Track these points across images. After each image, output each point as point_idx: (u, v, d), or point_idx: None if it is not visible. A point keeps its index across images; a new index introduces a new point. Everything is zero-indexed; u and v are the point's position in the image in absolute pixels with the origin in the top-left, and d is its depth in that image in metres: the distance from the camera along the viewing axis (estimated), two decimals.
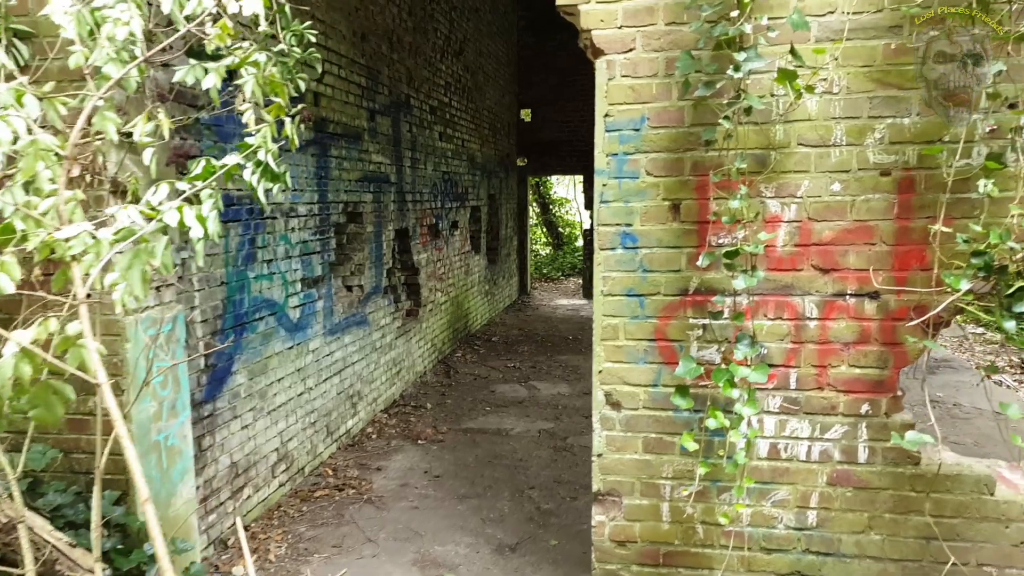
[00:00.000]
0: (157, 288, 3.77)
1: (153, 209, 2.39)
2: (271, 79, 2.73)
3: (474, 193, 11.54)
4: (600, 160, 3.14)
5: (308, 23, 3.46)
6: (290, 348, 5.57)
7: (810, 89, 2.79)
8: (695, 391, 3.16)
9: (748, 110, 2.78)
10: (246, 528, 4.89)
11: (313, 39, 3.42)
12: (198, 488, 4.40)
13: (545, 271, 19.27)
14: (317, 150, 6.00)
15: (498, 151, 13.34)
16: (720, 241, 3.07)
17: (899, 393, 3.08)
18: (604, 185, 3.15)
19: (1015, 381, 8.32)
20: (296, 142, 2.98)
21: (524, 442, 6.73)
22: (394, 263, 8.17)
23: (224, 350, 4.66)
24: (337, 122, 6.39)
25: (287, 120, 2.88)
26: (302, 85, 3.56)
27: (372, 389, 7.29)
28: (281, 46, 3.34)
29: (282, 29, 2.89)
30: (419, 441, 6.73)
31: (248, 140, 2.69)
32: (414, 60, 8.52)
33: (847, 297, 3.04)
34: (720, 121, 2.78)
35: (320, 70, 3.96)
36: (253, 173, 2.63)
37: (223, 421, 4.67)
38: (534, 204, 20.83)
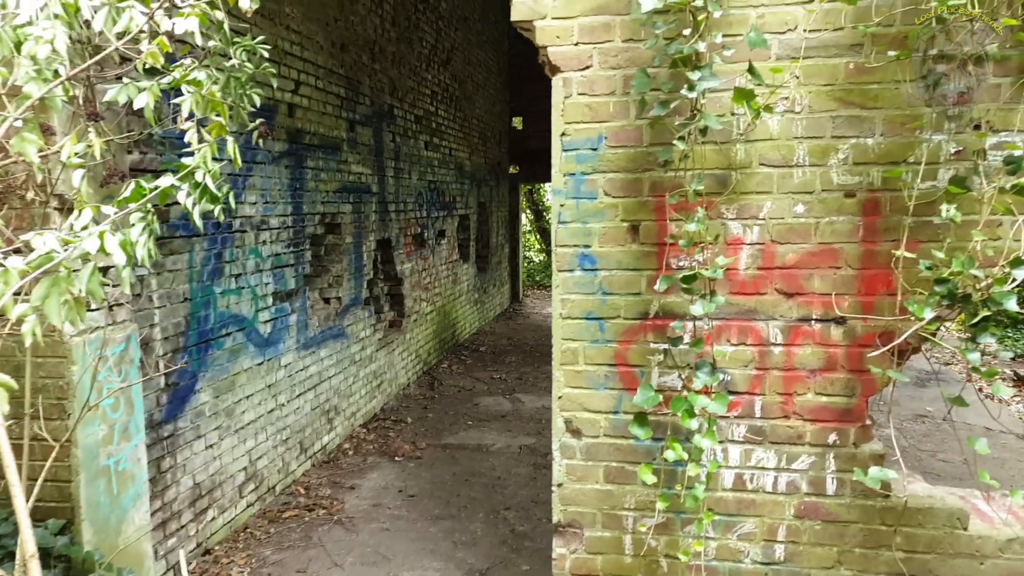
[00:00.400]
0: (109, 307, 3.66)
1: (76, 235, 2.29)
2: (211, 97, 2.62)
3: (463, 202, 11.44)
4: (557, 180, 3.04)
5: (261, 38, 3.35)
6: (260, 364, 5.46)
7: (768, 108, 2.69)
8: (656, 419, 3.05)
9: (704, 130, 2.68)
10: (210, 552, 4.78)
11: (266, 54, 3.32)
12: (156, 512, 4.29)
13: (538, 278, 19.16)
14: (291, 161, 5.90)
15: (488, 160, 13.25)
16: (680, 264, 2.97)
17: (868, 422, 2.96)
18: (562, 205, 3.05)
19: (1013, 395, 8.20)
20: (239, 162, 2.87)
21: (504, 459, 6.61)
22: (376, 274, 8.06)
23: (186, 368, 4.55)
24: (314, 133, 6.30)
25: (229, 139, 2.77)
26: (256, 100, 3.46)
27: (350, 403, 7.18)
28: (233, 61, 3.24)
29: (230, 45, 2.77)
30: (396, 458, 6.62)
31: (185, 160, 2.59)
32: (398, 70, 8.43)
33: (812, 322, 2.93)
34: (674, 142, 2.67)
35: (276, 85, 3.87)
36: (189, 195, 2.52)
37: (185, 441, 4.56)
38: (527, 211, 20.73)
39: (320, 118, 6.43)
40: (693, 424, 2.73)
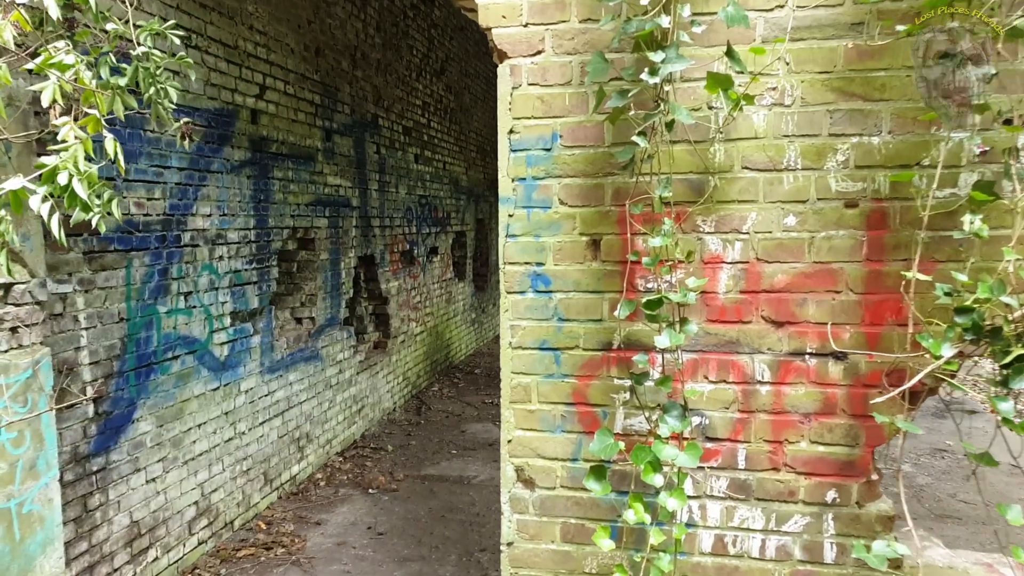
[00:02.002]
0: (12, 329, 3.24)
1: None
2: (80, 83, 2.21)
3: (458, 218, 11.02)
4: (505, 186, 2.59)
5: (172, 22, 2.95)
6: (215, 389, 5.03)
7: (749, 99, 2.23)
8: (621, 468, 2.57)
9: (670, 125, 2.22)
10: None
11: (177, 40, 2.91)
12: (82, 555, 3.85)
13: None
14: (255, 171, 5.50)
15: (488, 175, 12.85)
16: (648, 286, 2.50)
17: (874, 476, 2.47)
18: (511, 216, 2.60)
19: None
20: (123, 165, 2.44)
21: (485, 492, 6.12)
22: (357, 292, 7.63)
23: (121, 395, 4.12)
24: (282, 141, 5.90)
25: (108, 136, 2.35)
26: (173, 94, 3.05)
27: (325, 431, 6.73)
28: (141, 48, 2.83)
29: (98, 20, 2.36)
30: (370, 490, 6.15)
31: (44, 160, 2.16)
32: (384, 78, 8.05)
33: (807, 357, 2.45)
34: (634, 138, 2.21)
35: (194, 77, 3.45)
36: (45, 200, 2.09)
37: (120, 475, 4.12)
38: None
39: (290, 126, 6.03)
40: (657, 480, 2.25)
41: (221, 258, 5.09)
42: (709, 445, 2.51)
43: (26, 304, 3.28)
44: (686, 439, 2.42)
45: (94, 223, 2.42)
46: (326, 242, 6.69)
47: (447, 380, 10.04)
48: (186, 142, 3.34)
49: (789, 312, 2.44)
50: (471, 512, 5.74)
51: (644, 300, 2.31)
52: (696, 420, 2.50)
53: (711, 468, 2.53)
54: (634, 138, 2.20)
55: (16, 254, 3.20)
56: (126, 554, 4.20)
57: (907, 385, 2.15)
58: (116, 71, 2.88)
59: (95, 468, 3.93)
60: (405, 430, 7.84)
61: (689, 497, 2.51)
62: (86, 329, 3.87)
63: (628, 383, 2.56)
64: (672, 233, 2.30)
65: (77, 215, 2.29)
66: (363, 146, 7.53)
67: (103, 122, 2.30)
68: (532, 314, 2.61)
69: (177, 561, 4.67)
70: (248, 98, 5.40)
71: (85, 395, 3.86)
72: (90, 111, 2.30)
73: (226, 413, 5.17)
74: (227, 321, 5.17)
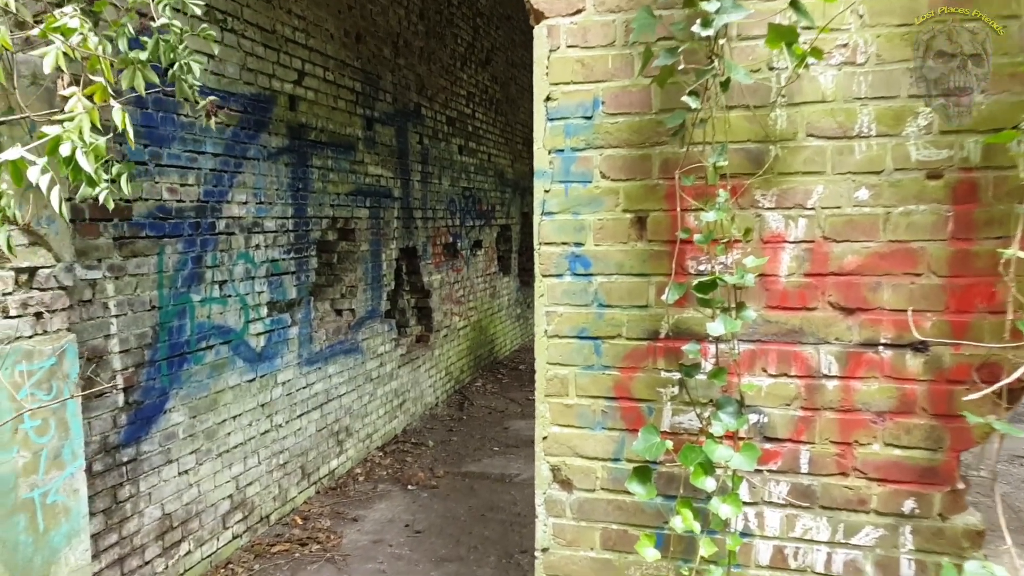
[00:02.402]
0: (37, 315, 3.15)
1: None
2: (85, 48, 2.06)
3: (503, 211, 10.83)
4: (541, 158, 2.37)
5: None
6: (251, 381, 4.92)
7: (817, 53, 1.96)
8: (668, 470, 2.33)
9: (725, 84, 1.97)
10: None
11: (198, 11, 2.76)
12: (112, 547, 3.76)
13: None
14: (293, 159, 5.38)
15: (533, 168, 12.60)
16: (700, 268, 2.25)
17: (960, 485, 2.18)
18: (547, 191, 2.38)
19: None
20: (133, 139, 2.29)
21: (527, 491, 5.91)
22: (399, 285, 7.50)
23: (153, 384, 4.03)
24: (321, 129, 5.77)
25: (115, 106, 2.20)
26: (196, 69, 2.90)
27: (365, 424, 6.60)
28: (162, 20, 2.68)
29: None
30: (409, 486, 5.99)
31: (46, 129, 2.02)
32: (427, 67, 7.89)
33: (880, 348, 2.17)
34: (685, 98, 1.97)
35: (217, 51, 3.30)
36: (45, 172, 1.95)
37: (152, 467, 4.03)
38: None
39: (330, 113, 5.90)
40: (709, 484, 2.01)
41: (258, 247, 4.98)
42: (768, 446, 2.25)
43: (51, 289, 3.19)
44: (742, 439, 2.16)
45: (101, 199, 2.28)
46: (367, 233, 6.56)
47: (491, 376, 9.85)
48: (211, 121, 3.20)
49: (860, 297, 2.16)
50: (512, 512, 5.54)
51: (695, 283, 2.07)
52: (753, 418, 2.24)
53: (770, 472, 2.27)
54: (685, 98, 1.95)
55: (40, 237, 3.11)
56: (157, 547, 4.11)
57: (1007, 380, 1.86)
58: (137, 44, 2.76)
59: (125, 459, 3.84)
60: (447, 426, 7.68)
61: (744, 503, 2.25)
62: (116, 316, 3.77)
63: (676, 376, 2.31)
64: (728, 207, 2.04)
65: (83, 191, 2.15)
66: (405, 136, 7.38)
67: (110, 91, 2.15)
68: (570, 299, 2.38)
69: (211, 555, 4.57)
70: (286, 84, 5.29)
71: (115, 384, 3.77)
72: (95, 78, 2.15)
73: (262, 405, 5.06)
74: (264, 311, 5.06)
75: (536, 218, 2.38)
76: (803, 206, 2.17)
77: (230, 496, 4.73)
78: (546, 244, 2.39)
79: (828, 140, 2.14)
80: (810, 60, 1.97)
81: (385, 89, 6.90)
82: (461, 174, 9.03)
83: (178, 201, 4.23)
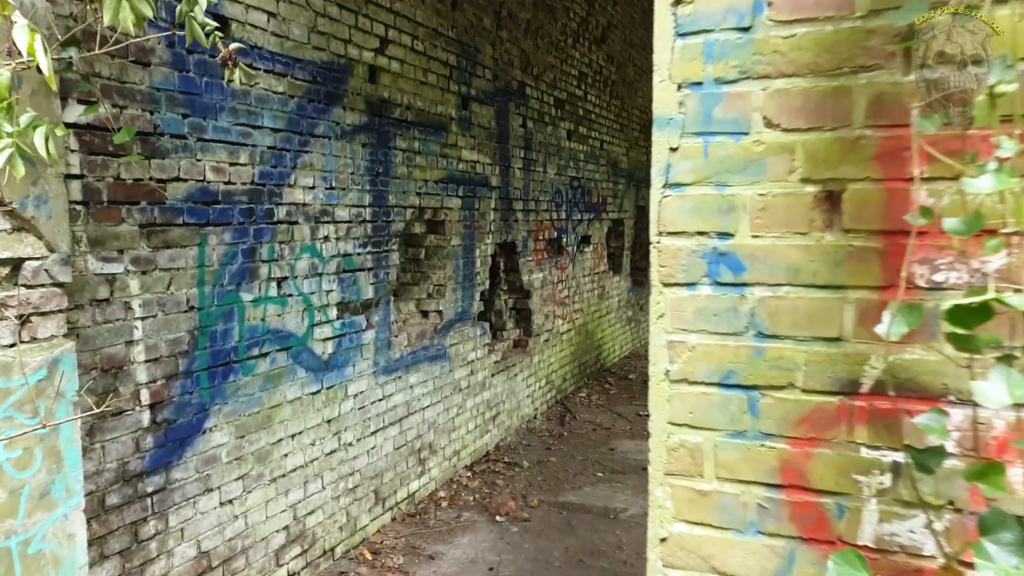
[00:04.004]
0: (20, 318, 2.54)
1: None
2: None
3: (615, 204, 9.87)
4: (665, 98, 1.48)
5: None
6: (315, 393, 4.26)
7: None
8: None
9: None
10: None
11: None
12: None
13: None
14: (371, 138, 4.68)
15: (651, 158, 11.55)
16: (945, 278, 1.30)
17: None
18: (673, 150, 1.48)
19: None
20: (54, 82, 1.57)
21: (636, 533, 4.98)
22: (495, 284, 6.72)
23: (188, 400, 3.40)
24: (407, 106, 5.05)
25: (39, 50, 1.47)
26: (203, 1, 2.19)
27: (452, 440, 5.87)
28: None
29: None
30: (498, 517, 5.20)
31: None
32: (533, 42, 7.07)
33: None
34: None
35: (278, 7, 2.59)
36: None
37: (186, 497, 3.41)
38: None
39: (417, 88, 5.18)
40: None
41: (327, 239, 4.31)
42: None
43: (41, 286, 2.57)
44: None
45: (1, 161, 1.57)
46: (458, 225, 5.81)
47: (596, 385, 8.94)
48: (234, 74, 2.49)
49: None
50: (616, 559, 4.64)
51: (947, 306, 1.12)
52: None
53: None
54: None
55: (27, 221, 2.49)
56: None
57: None
58: None
59: (150, 489, 3.22)
60: (545, 443, 6.84)
61: None
62: (141, 319, 3.16)
63: (890, 457, 1.37)
64: (1016, 168, 1.09)
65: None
66: (506, 117, 6.59)
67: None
68: (708, 323, 1.48)
69: None
70: (365, 52, 4.59)
71: (137, 400, 3.16)
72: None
73: (328, 421, 4.39)
74: (332, 313, 4.39)
75: (654, 195, 1.50)
76: None
77: (286, 527, 4.08)
78: (670, 235, 1.49)
79: None
80: None
81: (484, 64, 6.12)
82: (569, 162, 8.16)
83: (226, 183, 3.59)
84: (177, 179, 3.32)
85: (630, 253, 10.64)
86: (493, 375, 6.53)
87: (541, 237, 7.43)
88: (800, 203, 1.39)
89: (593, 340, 9.17)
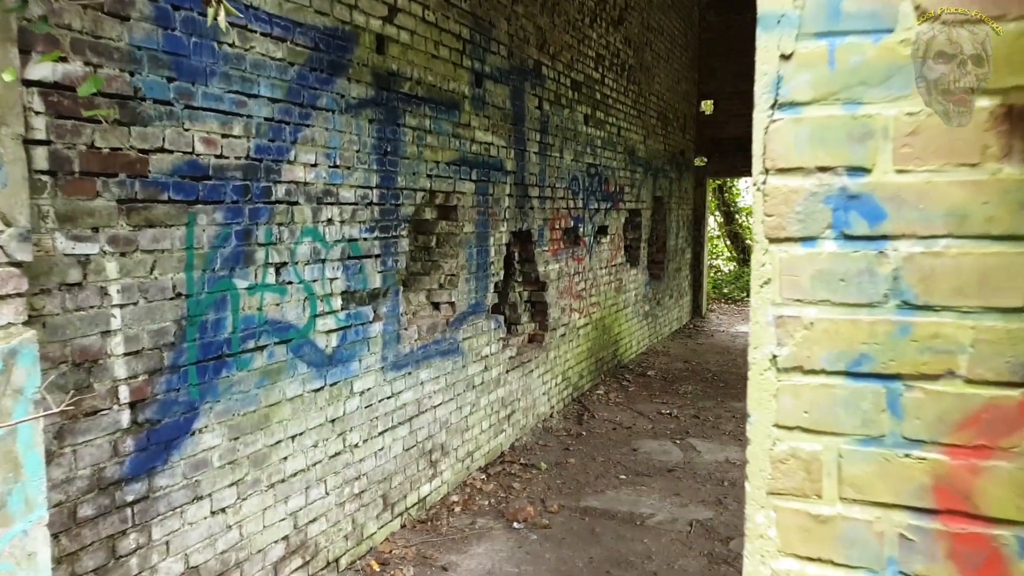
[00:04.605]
0: None
1: None
2: None
3: (632, 194, 9.47)
4: None
5: None
6: (317, 390, 3.89)
7: None
8: None
9: None
10: None
11: None
12: None
13: (726, 290, 16.65)
14: (379, 114, 4.31)
15: (669, 146, 11.17)
16: None
17: None
18: (787, 58, 1.10)
19: None
20: None
21: (665, 540, 4.61)
22: (509, 275, 6.35)
23: (175, 397, 3.04)
24: (417, 80, 4.68)
25: None
26: None
27: (465, 441, 5.49)
28: None
29: None
30: (516, 523, 4.82)
31: None
32: (550, 19, 6.68)
33: None
34: None
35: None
36: None
37: (171, 507, 3.04)
38: (715, 212, 18.24)
39: (429, 62, 4.81)
40: None
41: (330, 221, 3.94)
42: None
43: None
44: None
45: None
46: (471, 211, 5.43)
47: (614, 382, 8.55)
48: (220, 13, 2.12)
49: None
50: (646, 570, 4.26)
51: None
52: None
53: None
54: None
55: None
56: None
57: None
58: None
59: (130, 498, 2.86)
60: (563, 443, 6.46)
61: None
62: (120, 307, 2.79)
63: None
64: None
65: None
66: (522, 98, 6.21)
67: None
68: (833, 291, 1.09)
69: None
70: (372, 19, 4.22)
71: (115, 398, 2.79)
72: None
73: (332, 420, 4.02)
74: (337, 303, 4.02)
75: (758, 120, 1.11)
76: None
77: (285, 538, 3.71)
78: (779, 172, 1.11)
79: None
80: None
81: (499, 40, 5.74)
82: (586, 148, 7.77)
83: (218, 156, 3.22)
84: (162, 150, 2.95)
85: (647, 245, 10.24)
86: (508, 371, 6.16)
87: (557, 226, 7.05)
88: (972, 125, 1.00)
89: (610, 335, 8.79)
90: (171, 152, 2.99)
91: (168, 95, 2.96)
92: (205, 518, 3.22)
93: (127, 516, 2.85)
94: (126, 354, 2.82)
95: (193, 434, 3.14)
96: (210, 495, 3.25)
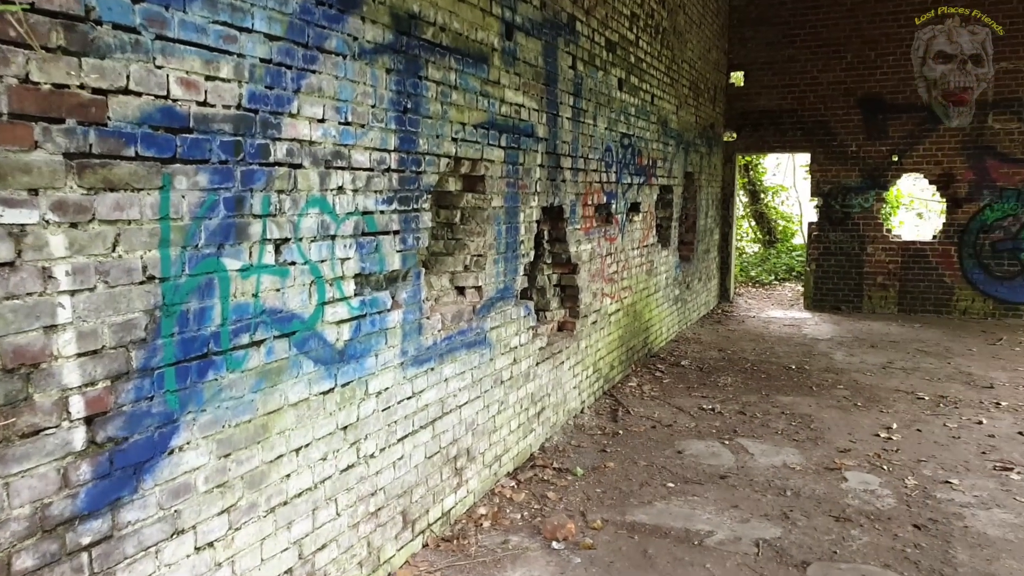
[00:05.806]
0: None
1: None
2: None
3: (664, 168, 8.75)
4: None
5: None
6: (327, 393, 3.24)
7: None
8: None
9: None
10: None
11: None
12: None
13: (753, 273, 15.93)
14: (398, 62, 3.62)
15: (700, 118, 10.42)
16: None
17: None
18: None
19: None
20: None
21: (731, 565, 3.95)
22: (539, 255, 5.67)
23: (146, 407, 2.38)
24: (442, 26, 3.98)
25: None
26: None
27: (493, 443, 4.85)
28: None
29: None
30: (555, 543, 4.17)
31: None
32: None
33: None
34: None
35: None
36: None
37: (143, 546, 2.39)
38: (742, 191, 17.47)
39: (454, 6, 4.10)
40: None
41: (341, 190, 3.27)
42: None
43: None
44: None
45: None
46: (500, 183, 4.75)
47: (646, 373, 7.89)
48: None
49: None
50: None
51: None
52: None
53: None
54: None
55: None
56: None
57: None
58: None
59: (86, 540, 2.21)
60: (598, 443, 5.81)
61: None
62: (70, 293, 2.13)
63: None
64: None
65: None
66: (555, 55, 5.50)
67: None
68: None
69: None
70: None
71: (67, 411, 2.14)
72: None
73: (344, 428, 3.37)
74: (349, 288, 3.36)
75: None
76: None
77: (288, 571, 3.07)
78: None
79: None
80: None
81: None
82: (620, 116, 7.05)
83: (201, 104, 2.54)
84: (126, 91, 2.27)
85: (678, 224, 9.54)
86: (538, 363, 5.49)
87: (590, 202, 6.35)
88: None
89: (641, 322, 8.12)
90: (138, 95, 2.31)
91: (133, 20, 2.28)
92: (188, 556, 2.58)
93: (82, 564, 2.20)
94: (79, 355, 2.16)
95: (171, 453, 2.49)
96: (194, 527, 2.60)
